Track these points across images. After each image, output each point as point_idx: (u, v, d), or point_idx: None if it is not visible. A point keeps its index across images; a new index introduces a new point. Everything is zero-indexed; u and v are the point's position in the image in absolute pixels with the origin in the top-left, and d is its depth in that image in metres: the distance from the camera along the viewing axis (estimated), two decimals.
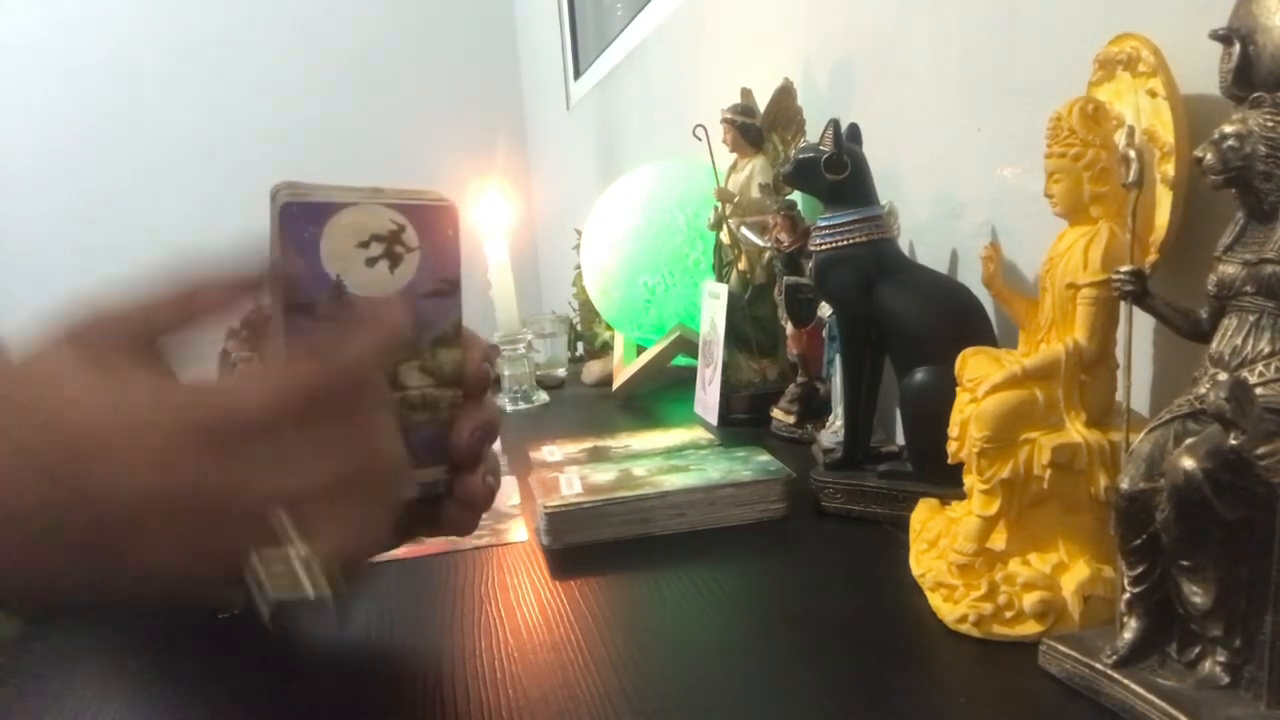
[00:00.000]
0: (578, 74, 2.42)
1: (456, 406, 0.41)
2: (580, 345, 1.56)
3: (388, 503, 0.36)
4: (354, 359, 0.35)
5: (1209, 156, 0.36)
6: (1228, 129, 0.35)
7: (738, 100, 0.99)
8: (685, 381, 1.12)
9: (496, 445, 0.44)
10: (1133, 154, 0.41)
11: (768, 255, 0.95)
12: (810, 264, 0.68)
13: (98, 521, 0.31)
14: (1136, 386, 0.50)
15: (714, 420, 0.95)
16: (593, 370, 1.33)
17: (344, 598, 0.33)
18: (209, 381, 0.35)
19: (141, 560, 0.32)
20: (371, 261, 0.38)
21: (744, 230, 0.97)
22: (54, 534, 0.30)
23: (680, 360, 1.14)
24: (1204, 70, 0.44)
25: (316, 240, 0.37)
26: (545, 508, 0.61)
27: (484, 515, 0.69)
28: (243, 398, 0.33)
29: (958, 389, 0.50)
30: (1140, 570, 0.37)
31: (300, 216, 0.36)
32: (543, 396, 1.21)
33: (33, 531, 0.30)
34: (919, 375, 0.59)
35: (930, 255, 0.76)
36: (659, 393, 1.18)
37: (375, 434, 0.35)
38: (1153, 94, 0.46)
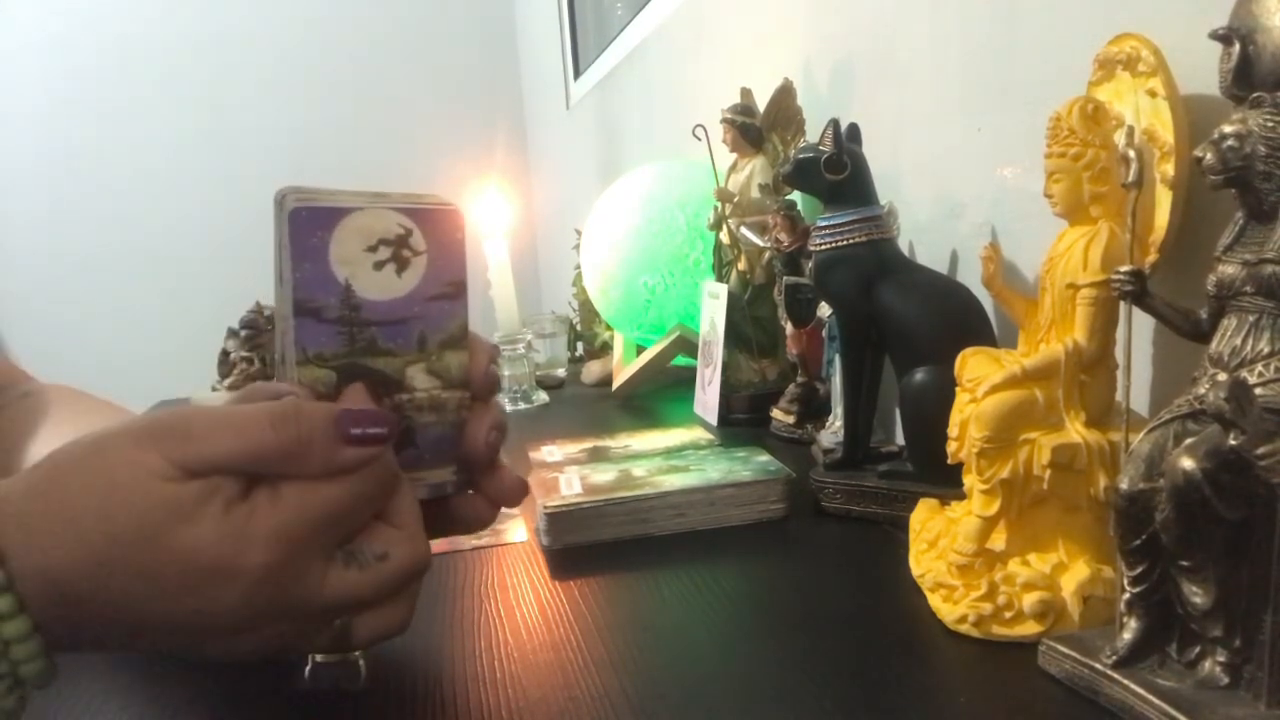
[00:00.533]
0: (578, 74, 2.42)
1: (464, 408, 0.41)
2: (580, 345, 1.56)
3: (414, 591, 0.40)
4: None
5: (1209, 156, 0.36)
6: (1227, 129, 0.35)
7: (738, 100, 0.99)
8: (685, 381, 1.12)
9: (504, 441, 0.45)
10: (1132, 154, 0.41)
11: (768, 255, 0.95)
12: (810, 264, 0.68)
13: (185, 626, 0.33)
14: (1136, 386, 0.50)
15: (714, 420, 0.95)
16: (593, 370, 1.33)
17: (366, 658, 0.40)
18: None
19: (215, 653, 0.35)
20: (379, 265, 0.38)
21: (744, 230, 0.97)
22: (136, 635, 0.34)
23: (680, 360, 1.14)
24: (1204, 70, 0.44)
25: (325, 245, 0.37)
26: (545, 508, 0.61)
27: None
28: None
29: (957, 389, 0.50)
30: (1140, 570, 0.37)
31: (309, 221, 0.36)
32: (543, 396, 1.21)
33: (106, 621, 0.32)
34: (919, 375, 0.59)
35: (930, 255, 0.76)
36: (659, 393, 1.18)
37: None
38: (1153, 94, 0.46)
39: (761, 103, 0.99)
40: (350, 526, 0.36)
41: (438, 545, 0.61)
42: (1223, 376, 0.34)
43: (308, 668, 0.40)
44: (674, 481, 0.64)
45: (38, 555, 0.31)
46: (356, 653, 0.40)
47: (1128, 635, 0.37)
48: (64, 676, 0.33)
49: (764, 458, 0.68)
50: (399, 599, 0.39)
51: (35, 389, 0.61)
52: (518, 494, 0.44)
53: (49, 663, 0.32)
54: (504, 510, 0.69)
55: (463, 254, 0.41)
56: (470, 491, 0.43)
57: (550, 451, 0.81)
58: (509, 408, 1.16)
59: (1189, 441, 0.35)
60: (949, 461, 0.49)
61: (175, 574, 0.32)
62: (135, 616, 0.32)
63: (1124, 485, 0.36)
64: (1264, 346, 0.34)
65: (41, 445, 0.53)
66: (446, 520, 0.43)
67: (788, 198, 0.92)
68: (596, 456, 0.77)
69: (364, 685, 0.40)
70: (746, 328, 0.98)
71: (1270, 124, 0.34)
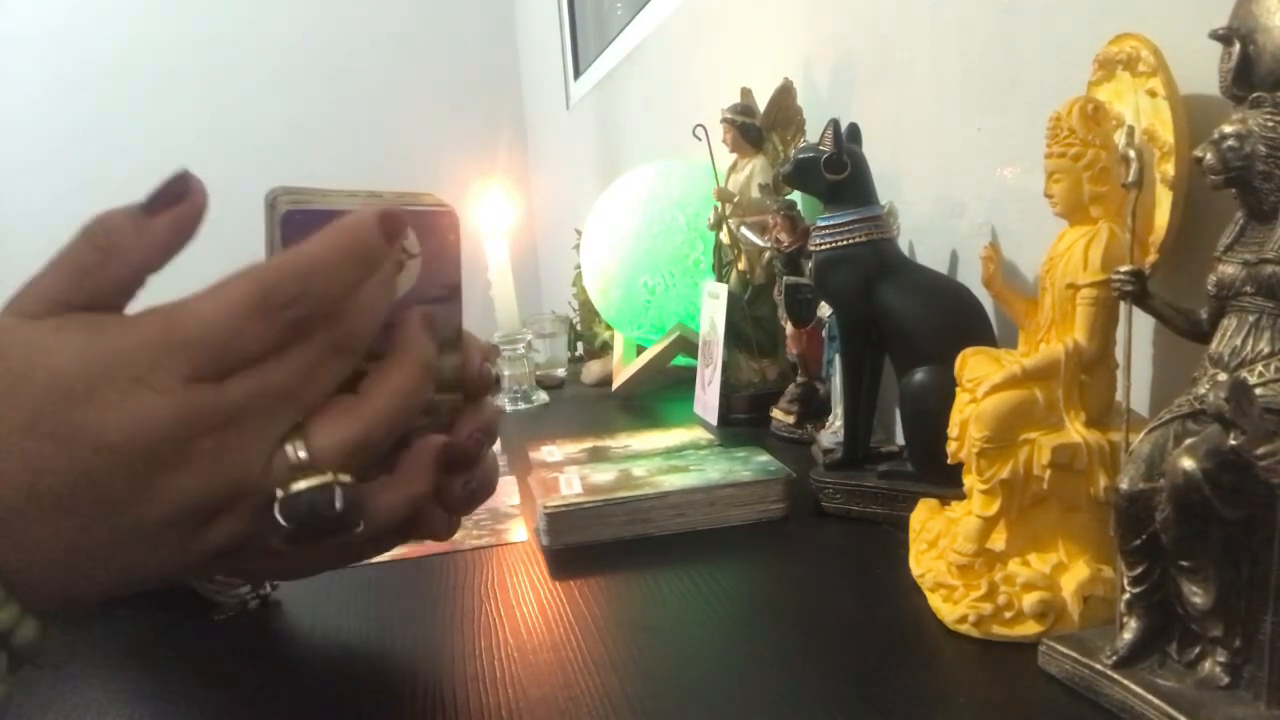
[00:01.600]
0: (578, 74, 2.42)
1: (456, 410, 0.41)
2: (580, 345, 1.56)
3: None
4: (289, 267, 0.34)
5: (1209, 156, 0.36)
6: (1228, 129, 0.35)
7: (738, 100, 0.99)
8: (685, 381, 1.12)
9: (496, 446, 0.44)
10: (1133, 154, 0.41)
11: (768, 255, 0.95)
12: (810, 264, 0.68)
13: (95, 473, 0.30)
14: (1136, 386, 0.50)
15: (714, 420, 0.95)
16: (593, 370, 1.33)
17: (343, 482, 0.34)
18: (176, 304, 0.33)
19: (149, 509, 0.31)
20: None
21: (744, 230, 0.97)
22: (48, 498, 0.29)
23: (680, 360, 1.14)
24: (1204, 70, 0.44)
25: None
26: (545, 508, 0.61)
27: (484, 515, 0.69)
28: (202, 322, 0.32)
29: (957, 389, 0.50)
30: (1140, 570, 0.37)
31: (302, 225, 0.36)
32: (542, 396, 1.21)
33: (23, 498, 0.29)
34: (919, 375, 0.59)
35: (930, 255, 0.76)
36: (659, 393, 1.18)
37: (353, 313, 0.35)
38: (1153, 94, 0.46)
39: (761, 103, 0.99)
40: (244, 341, 0.32)
41: (438, 545, 0.61)
42: (1223, 376, 0.34)
43: (275, 508, 0.33)
44: (674, 481, 0.64)
45: None
46: (326, 474, 0.34)
47: (1128, 635, 0.37)
48: (63, 677, 0.33)
49: (764, 458, 0.68)
50: (357, 390, 0.35)
51: None
52: (462, 506, 0.41)
53: (19, 610, 0.29)
54: (504, 510, 0.70)
55: (458, 256, 0.40)
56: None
57: (550, 451, 0.81)
58: (509, 408, 1.16)
59: (1189, 441, 0.35)
60: (949, 461, 0.49)
61: (58, 411, 0.29)
62: (47, 491, 0.29)
63: (1124, 485, 0.36)
64: (1264, 346, 0.34)
65: None
66: (412, 526, 0.41)
67: (788, 198, 0.92)
68: (596, 456, 0.77)
69: (355, 519, 0.35)
70: (746, 328, 0.99)
71: (1270, 124, 0.34)
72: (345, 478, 0.34)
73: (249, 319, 0.33)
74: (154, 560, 0.33)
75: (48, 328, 0.31)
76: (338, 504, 0.34)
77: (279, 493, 0.33)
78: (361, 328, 0.35)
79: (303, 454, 0.34)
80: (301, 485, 0.33)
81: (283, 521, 0.33)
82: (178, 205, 0.35)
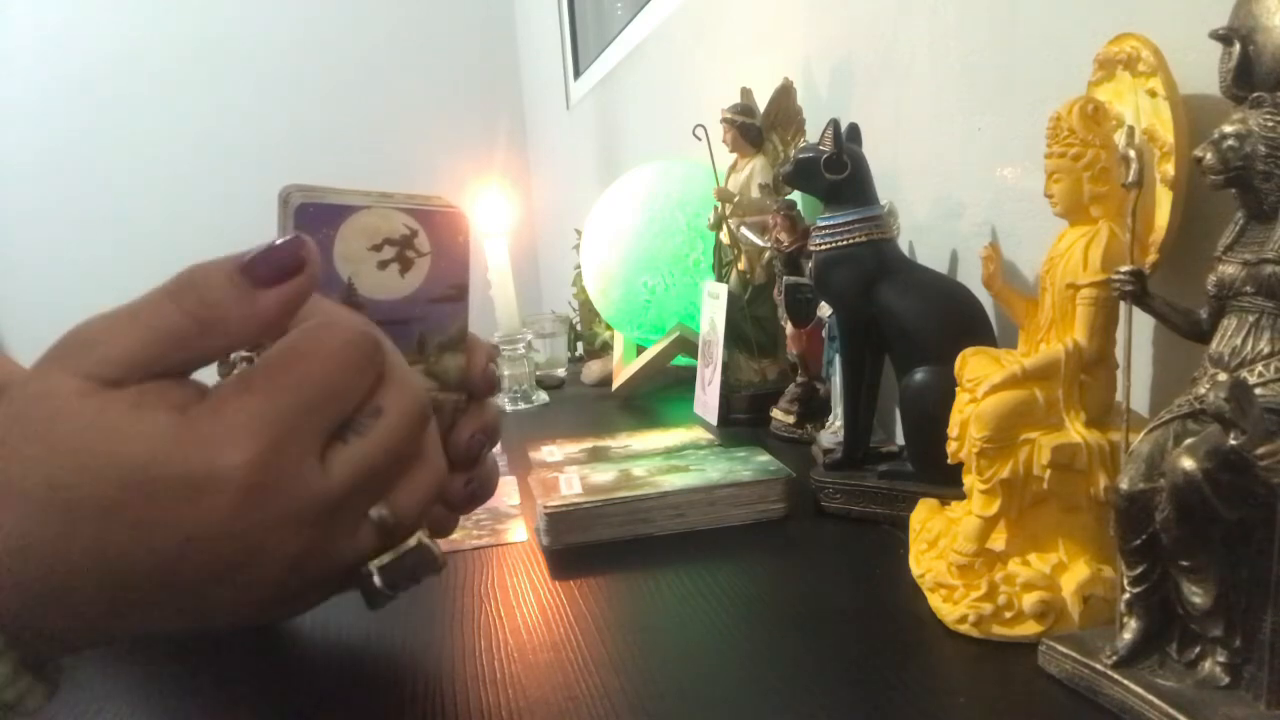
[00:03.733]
0: (578, 74, 2.42)
1: (460, 410, 0.41)
2: (580, 345, 1.56)
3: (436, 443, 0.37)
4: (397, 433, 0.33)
5: (1209, 156, 0.36)
6: (1228, 129, 0.35)
7: (738, 100, 0.99)
8: (685, 381, 1.12)
9: (495, 447, 0.44)
10: (1133, 154, 0.41)
11: (768, 255, 0.95)
12: (810, 264, 0.68)
13: (176, 563, 0.28)
14: (1136, 386, 0.50)
15: (714, 420, 0.95)
16: (593, 370, 1.33)
17: (428, 536, 0.37)
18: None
19: (226, 597, 0.30)
20: (383, 265, 0.38)
21: (744, 230, 0.97)
22: (116, 582, 0.28)
23: (680, 360, 1.14)
24: (1204, 70, 0.44)
25: (330, 242, 0.37)
26: (545, 508, 0.61)
27: (484, 515, 0.69)
28: (305, 386, 0.31)
29: (957, 389, 0.50)
30: (1140, 570, 0.37)
31: (315, 218, 0.36)
32: (542, 396, 1.21)
33: (91, 583, 0.28)
34: (919, 375, 0.59)
35: (930, 255, 0.76)
36: (659, 393, 1.18)
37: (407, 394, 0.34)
38: (1153, 94, 0.46)
39: (761, 103, 0.99)
40: (343, 402, 0.31)
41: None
42: (1223, 376, 0.34)
43: (374, 578, 0.35)
44: (674, 481, 0.64)
45: None
46: (414, 537, 0.36)
47: (1128, 635, 0.37)
48: (64, 678, 0.32)
49: (764, 458, 0.68)
50: (421, 451, 0.35)
51: None
52: (464, 504, 0.42)
53: (31, 680, 0.28)
54: (504, 510, 0.70)
55: (466, 257, 0.41)
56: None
57: (550, 451, 0.81)
58: (509, 408, 1.16)
59: (1189, 441, 0.35)
60: (949, 461, 0.49)
61: (142, 500, 0.27)
62: (117, 574, 0.28)
63: (1124, 485, 0.36)
64: (1264, 346, 0.34)
65: None
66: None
67: (788, 198, 0.92)
68: (596, 456, 0.77)
69: (443, 562, 0.37)
70: (746, 328, 0.99)
71: (1270, 124, 0.34)
72: (425, 534, 0.36)
73: (357, 374, 0.32)
74: (208, 625, 0.32)
75: (127, 403, 0.28)
76: (438, 557, 0.36)
77: (375, 565, 0.34)
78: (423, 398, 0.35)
79: (390, 519, 0.34)
80: (400, 551, 0.35)
81: (383, 586, 0.35)
82: (292, 280, 0.31)
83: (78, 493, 0.27)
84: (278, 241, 0.32)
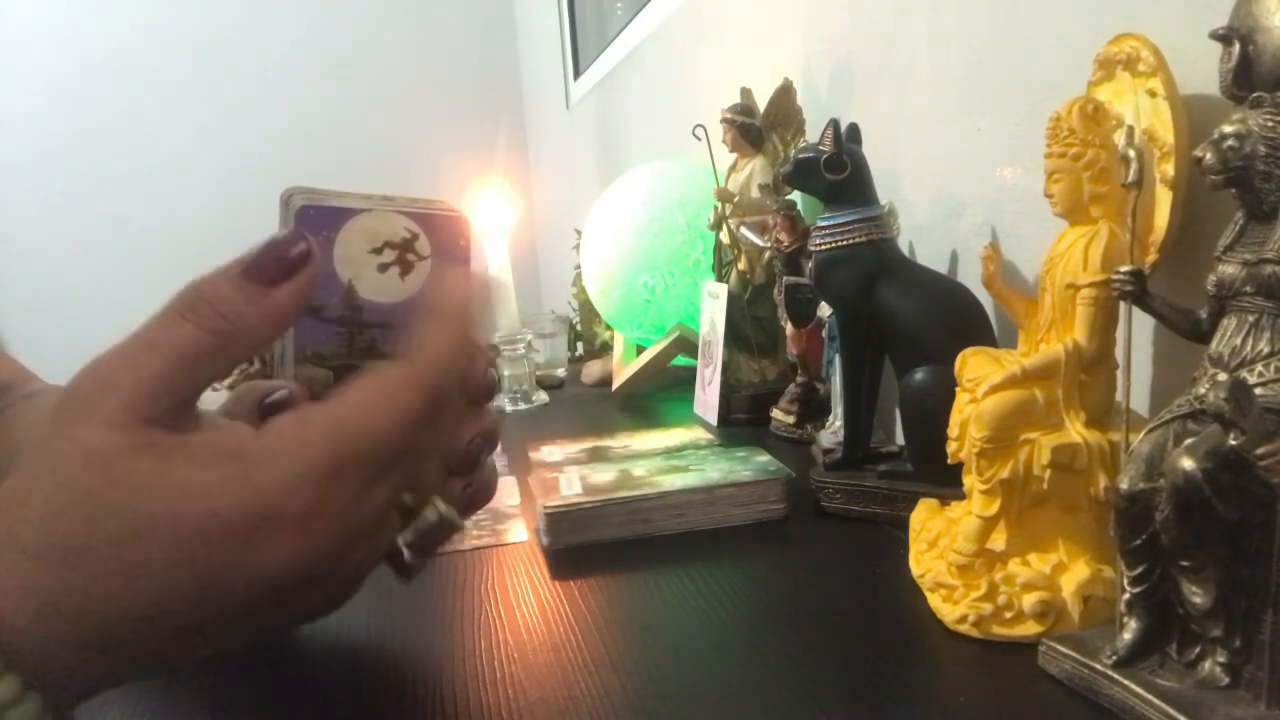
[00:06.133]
0: (578, 74, 2.42)
1: (460, 414, 0.41)
2: (580, 345, 1.56)
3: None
4: (441, 361, 0.34)
5: (1209, 156, 0.36)
6: (1227, 129, 0.35)
7: (738, 100, 0.99)
8: (685, 381, 1.12)
9: (495, 451, 0.44)
10: (1132, 154, 0.41)
11: (767, 255, 0.95)
12: (810, 264, 0.68)
13: (241, 601, 0.29)
14: (1136, 386, 0.50)
15: (714, 420, 0.95)
16: (593, 370, 1.33)
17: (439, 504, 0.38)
18: (309, 426, 0.30)
19: (279, 615, 0.31)
20: (384, 268, 0.38)
21: (744, 230, 0.97)
22: (172, 625, 0.28)
23: (680, 360, 1.14)
24: (1204, 70, 0.44)
25: (331, 244, 0.37)
26: (545, 508, 0.61)
27: (484, 516, 0.69)
28: (368, 440, 0.31)
29: (957, 389, 0.50)
30: (1140, 570, 0.37)
31: (316, 220, 0.37)
32: (542, 396, 1.21)
33: (147, 628, 0.28)
34: (919, 375, 0.59)
35: (930, 255, 0.76)
36: (659, 393, 1.18)
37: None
38: (1153, 94, 0.46)
39: (761, 103, 0.99)
40: (404, 454, 0.32)
41: None
42: (1223, 376, 0.34)
43: (405, 554, 0.36)
44: (674, 481, 0.64)
45: (34, 597, 0.26)
46: (431, 507, 0.37)
47: (1128, 635, 0.37)
48: None
49: (764, 458, 0.68)
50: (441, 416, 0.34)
51: (40, 389, 0.61)
52: (463, 509, 0.42)
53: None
54: (504, 510, 0.70)
55: (468, 261, 0.41)
56: None
57: (550, 451, 0.81)
58: (509, 408, 1.16)
59: (1189, 441, 0.35)
60: (949, 461, 0.49)
61: (203, 553, 0.27)
62: (176, 622, 0.28)
63: (1124, 485, 0.36)
64: (1264, 346, 0.34)
65: None
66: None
67: (788, 198, 0.92)
68: (596, 456, 0.77)
69: (461, 524, 0.38)
70: (746, 328, 0.98)
71: (1270, 124, 0.34)
72: (439, 501, 0.37)
73: (423, 427, 0.32)
74: (260, 639, 0.32)
75: (182, 458, 0.28)
76: (456, 520, 0.38)
77: (404, 542, 0.36)
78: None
79: (413, 501, 0.35)
80: (422, 525, 0.36)
81: (413, 560, 0.36)
82: (299, 271, 0.31)
83: (141, 552, 0.27)
84: (275, 238, 0.32)
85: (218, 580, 0.28)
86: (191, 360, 0.30)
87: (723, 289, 0.96)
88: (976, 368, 0.49)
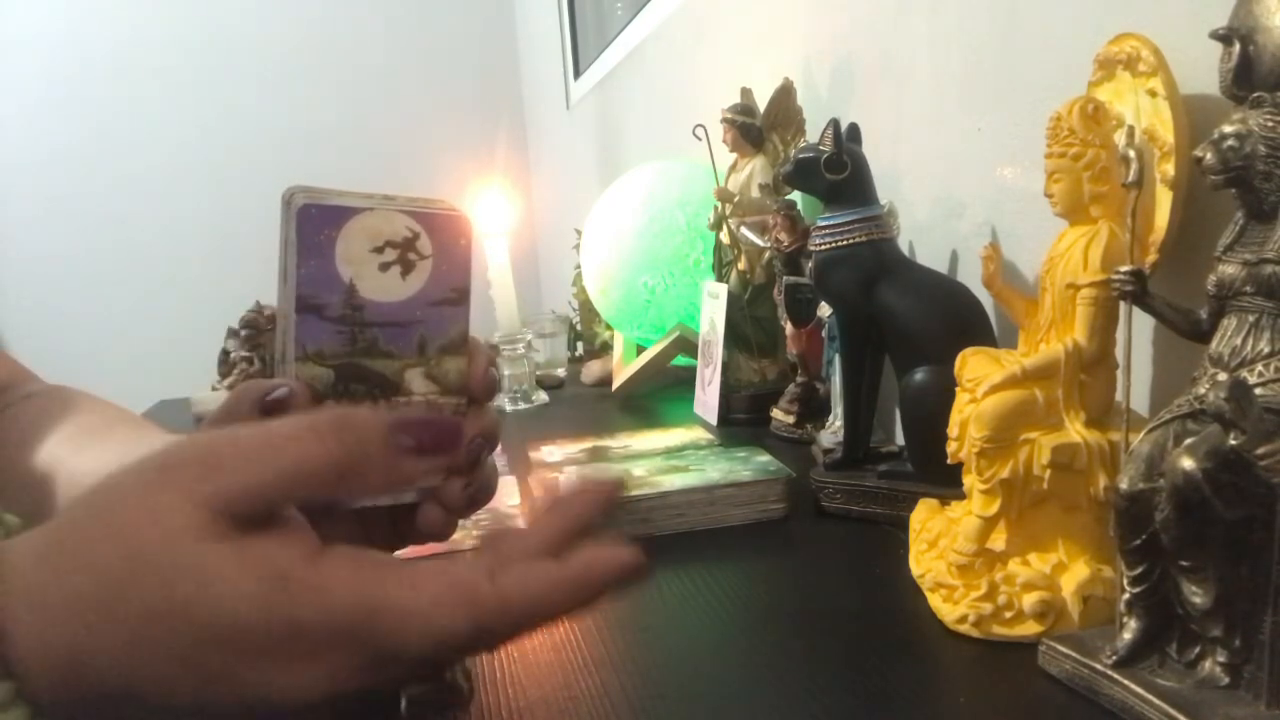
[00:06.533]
0: (578, 74, 2.42)
1: (460, 414, 0.41)
2: (580, 345, 1.56)
3: None
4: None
5: (1209, 156, 0.36)
6: (1228, 129, 0.35)
7: (738, 100, 0.99)
8: (685, 381, 1.12)
9: (495, 451, 0.44)
10: (1133, 154, 0.41)
11: (767, 255, 0.95)
12: (810, 264, 0.68)
13: (241, 708, 0.28)
14: (1136, 386, 0.50)
15: (714, 420, 0.95)
16: (593, 370, 1.33)
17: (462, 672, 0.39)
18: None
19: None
20: (385, 267, 0.38)
21: (744, 230, 0.97)
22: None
23: (680, 360, 1.14)
24: (1204, 70, 0.44)
25: (332, 243, 0.37)
26: None
27: (484, 516, 0.69)
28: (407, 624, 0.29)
29: (957, 389, 0.50)
30: (1140, 570, 0.37)
31: (317, 219, 0.37)
32: (542, 396, 1.21)
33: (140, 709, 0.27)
34: (919, 375, 0.59)
35: (930, 255, 0.76)
36: (659, 393, 1.18)
37: None
38: (1153, 94, 0.46)
39: (761, 103, 0.99)
40: None
41: (438, 547, 0.61)
42: (1223, 376, 0.34)
43: (401, 703, 0.36)
44: (674, 481, 0.64)
45: (51, 635, 0.26)
46: (449, 671, 0.38)
47: (1128, 635, 0.37)
48: None
49: (764, 458, 0.68)
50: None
51: (40, 389, 0.61)
52: (463, 509, 0.41)
53: None
54: (504, 511, 0.70)
55: (468, 260, 0.41)
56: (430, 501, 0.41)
57: (550, 451, 0.81)
58: (509, 408, 1.16)
59: (1189, 441, 0.35)
60: (949, 461, 0.49)
61: (220, 659, 0.27)
62: (169, 708, 0.27)
63: (1124, 485, 0.36)
64: (1264, 346, 0.34)
65: (47, 448, 0.53)
66: (410, 528, 0.41)
67: (788, 198, 0.92)
68: (596, 456, 0.77)
69: (470, 696, 0.38)
70: (746, 328, 0.98)
71: (1270, 124, 0.34)
72: (460, 669, 0.38)
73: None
74: None
75: (232, 558, 0.27)
76: (465, 692, 0.38)
77: (405, 693, 0.36)
78: None
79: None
80: (433, 685, 0.37)
81: (406, 715, 0.37)
82: (439, 452, 0.32)
83: (158, 635, 0.26)
84: (441, 419, 0.33)
85: (220, 686, 0.27)
86: (303, 478, 0.29)
87: (723, 289, 0.96)
88: (976, 368, 0.49)
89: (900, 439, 0.64)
